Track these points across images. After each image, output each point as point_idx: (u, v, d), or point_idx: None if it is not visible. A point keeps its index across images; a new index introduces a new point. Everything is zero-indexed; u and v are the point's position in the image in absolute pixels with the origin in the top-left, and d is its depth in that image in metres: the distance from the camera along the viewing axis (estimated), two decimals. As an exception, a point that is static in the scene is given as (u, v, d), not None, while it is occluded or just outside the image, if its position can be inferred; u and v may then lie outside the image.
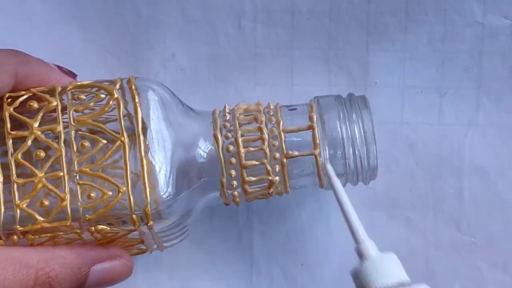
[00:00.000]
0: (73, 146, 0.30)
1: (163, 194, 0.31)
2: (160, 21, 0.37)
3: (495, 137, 0.37)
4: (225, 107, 0.33)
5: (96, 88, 0.31)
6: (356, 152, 0.32)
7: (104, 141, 0.30)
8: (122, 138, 0.30)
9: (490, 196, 0.37)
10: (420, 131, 0.37)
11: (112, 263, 0.32)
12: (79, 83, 0.32)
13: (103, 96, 0.31)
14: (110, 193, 0.30)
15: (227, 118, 0.32)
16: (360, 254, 0.30)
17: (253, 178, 0.32)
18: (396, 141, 0.37)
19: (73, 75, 0.33)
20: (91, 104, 0.31)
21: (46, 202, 0.30)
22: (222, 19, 0.37)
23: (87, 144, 0.30)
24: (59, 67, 0.33)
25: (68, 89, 0.31)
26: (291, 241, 0.38)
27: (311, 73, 0.37)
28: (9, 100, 0.31)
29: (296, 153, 0.32)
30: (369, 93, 0.37)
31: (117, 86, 0.31)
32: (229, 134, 0.32)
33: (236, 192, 0.32)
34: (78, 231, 0.30)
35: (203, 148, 0.32)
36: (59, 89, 0.31)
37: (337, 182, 0.31)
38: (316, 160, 0.32)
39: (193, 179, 0.32)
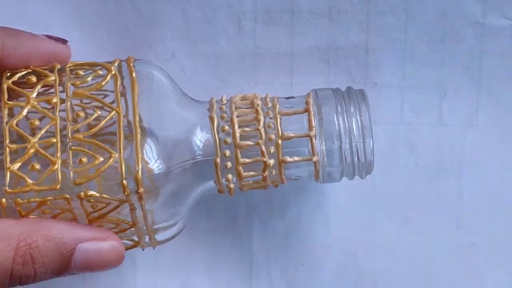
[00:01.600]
0: (68, 116, 0.30)
1: (153, 167, 0.31)
2: (160, 21, 0.37)
3: (495, 137, 0.37)
4: (222, 96, 0.33)
5: (95, 67, 0.32)
6: (353, 145, 0.32)
7: (99, 112, 0.30)
8: (117, 109, 0.30)
9: (490, 196, 0.37)
10: (420, 131, 0.37)
11: (102, 244, 0.30)
12: (78, 62, 0.32)
13: (101, 72, 0.31)
14: (102, 159, 0.30)
15: (224, 102, 0.32)
16: None
17: (247, 160, 0.32)
18: (396, 141, 0.37)
19: (63, 41, 0.33)
20: (89, 79, 0.31)
21: (37, 166, 0.30)
22: (222, 19, 0.37)
23: (82, 114, 0.31)
24: (49, 36, 0.33)
25: (67, 66, 0.32)
26: (291, 240, 0.38)
27: (311, 73, 0.37)
28: (8, 74, 0.31)
29: (292, 134, 0.32)
30: (369, 93, 0.37)
31: (116, 64, 0.32)
32: (224, 115, 0.32)
33: (230, 176, 0.32)
34: (67, 196, 0.30)
35: (199, 132, 0.32)
36: (58, 66, 0.32)
37: None
38: (311, 143, 0.31)
39: (186, 159, 0.32)
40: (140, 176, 0.30)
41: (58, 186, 0.29)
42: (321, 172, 0.32)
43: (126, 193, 0.30)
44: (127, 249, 0.32)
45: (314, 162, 0.32)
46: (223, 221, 0.38)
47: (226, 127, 0.32)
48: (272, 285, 0.38)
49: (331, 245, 0.38)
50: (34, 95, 0.30)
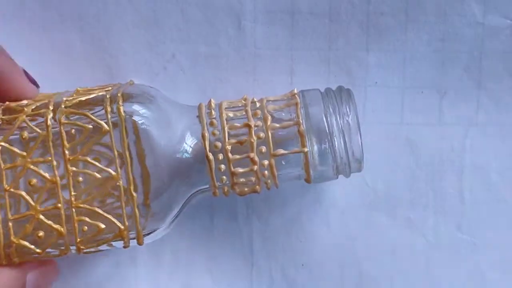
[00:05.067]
0: (70, 183, 0.30)
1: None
2: (160, 22, 0.37)
3: (495, 137, 0.37)
4: (210, 102, 0.33)
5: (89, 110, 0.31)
6: (342, 144, 0.32)
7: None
8: (116, 175, 0.30)
9: (491, 196, 0.37)
10: (420, 131, 0.37)
11: (43, 267, 0.32)
12: (71, 105, 0.31)
13: (91, 127, 0.31)
14: (103, 226, 0.30)
15: (213, 115, 0.32)
16: None
17: (238, 156, 0.32)
18: (396, 141, 0.37)
19: (36, 84, 0.34)
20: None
21: (41, 234, 0.30)
22: (222, 20, 0.37)
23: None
24: (25, 73, 0.33)
25: (61, 118, 0.31)
26: (291, 241, 0.38)
27: (311, 73, 0.37)
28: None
29: (283, 151, 0.32)
30: (369, 93, 0.37)
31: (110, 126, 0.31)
32: (214, 121, 0.32)
33: (224, 177, 0.32)
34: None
35: (189, 143, 0.32)
36: (50, 115, 0.31)
37: None
38: (305, 158, 0.32)
39: (180, 172, 0.32)
40: (141, 234, 0.30)
41: (66, 252, 0.30)
42: (312, 172, 0.32)
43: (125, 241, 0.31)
44: (108, 242, 0.33)
45: (305, 154, 0.32)
46: (223, 221, 0.38)
47: (216, 132, 0.32)
48: (272, 286, 0.38)
49: (331, 245, 0.38)
50: (30, 158, 0.30)
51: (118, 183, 0.30)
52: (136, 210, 0.30)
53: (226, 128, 0.32)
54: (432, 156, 0.37)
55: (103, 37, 0.37)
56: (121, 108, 0.31)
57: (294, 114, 0.32)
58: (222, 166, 0.32)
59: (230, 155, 0.31)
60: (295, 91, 0.33)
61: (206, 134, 0.32)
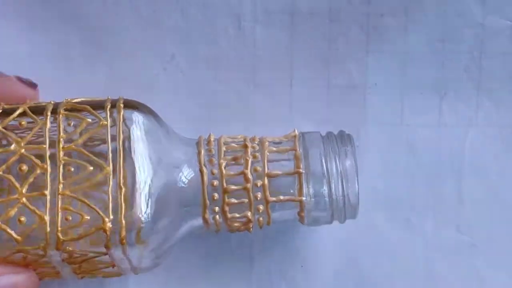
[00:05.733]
0: (59, 171, 0.30)
1: (141, 217, 0.30)
2: (160, 22, 0.37)
3: (495, 138, 0.37)
4: (210, 135, 0.33)
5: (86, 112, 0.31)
6: (339, 190, 0.32)
7: (91, 168, 0.30)
8: (107, 168, 0.30)
9: (490, 197, 0.37)
10: (420, 132, 0.37)
11: (18, 276, 0.30)
12: (72, 103, 0.31)
13: (90, 120, 0.31)
14: (88, 217, 0.30)
15: (213, 153, 0.32)
16: None
17: (234, 200, 0.32)
18: (396, 142, 0.37)
19: (33, 86, 0.33)
20: (78, 130, 0.31)
21: (23, 219, 0.30)
22: (221, 20, 0.37)
23: (72, 169, 0.30)
24: (19, 79, 0.33)
25: (60, 110, 0.31)
26: (291, 242, 0.38)
27: (311, 73, 0.37)
28: None
29: (279, 171, 0.32)
30: (369, 94, 0.37)
31: (108, 121, 0.31)
32: (213, 159, 0.32)
33: (217, 216, 0.32)
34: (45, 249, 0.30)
35: (186, 175, 0.32)
36: (50, 108, 0.31)
37: None
38: (301, 205, 0.32)
39: (174, 205, 0.32)
40: (124, 233, 0.30)
41: (45, 246, 0.30)
42: (306, 215, 0.32)
43: (109, 252, 0.30)
44: (107, 276, 0.33)
45: (300, 202, 0.32)
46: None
47: (215, 171, 0.32)
48: (272, 287, 0.38)
49: (331, 246, 0.38)
50: (24, 143, 0.30)
51: (107, 175, 0.30)
52: (123, 203, 0.30)
53: (224, 182, 0.32)
54: (432, 157, 0.37)
55: (103, 37, 0.37)
56: (121, 106, 0.31)
57: (293, 156, 0.32)
58: (216, 208, 0.32)
59: (227, 199, 0.32)
60: (296, 132, 0.33)
61: (205, 176, 0.32)
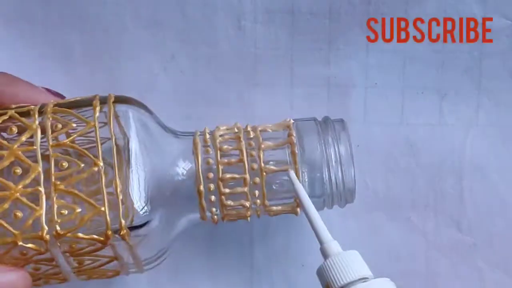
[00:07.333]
0: (51, 169, 0.30)
1: (140, 211, 0.30)
2: (160, 22, 0.37)
3: (495, 137, 0.37)
4: (205, 129, 0.33)
5: (78, 109, 0.31)
6: (333, 174, 0.32)
7: (82, 165, 0.30)
8: (98, 162, 0.30)
9: (491, 196, 0.37)
10: (421, 132, 0.37)
11: (11, 275, 0.30)
12: (59, 106, 0.31)
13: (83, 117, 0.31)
14: (79, 210, 0.30)
15: (208, 143, 0.32)
16: (324, 254, 0.30)
17: (229, 190, 0.32)
18: (397, 142, 0.37)
19: (61, 97, 0.33)
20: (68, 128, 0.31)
21: (19, 214, 0.30)
22: (222, 20, 0.37)
23: (65, 164, 0.30)
24: (47, 89, 0.33)
25: (48, 111, 0.31)
26: (291, 241, 0.38)
27: (311, 73, 0.37)
28: None
29: (274, 167, 0.32)
30: (369, 94, 0.37)
31: (97, 113, 0.31)
32: (209, 149, 0.32)
33: (213, 209, 0.32)
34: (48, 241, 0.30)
35: (182, 168, 0.32)
36: (37, 112, 0.31)
37: (299, 186, 0.31)
38: (296, 171, 0.32)
39: (170, 198, 0.32)
40: (125, 232, 0.30)
41: (45, 236, 0.29)
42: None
43: (110, 243, 0.30)
44: (111, 276, 0.33)
45: (296, 171, 0.32)
46: (223, 223, 0.38)
47: (211, 160, 0.32)
48: (273, 287, 0.38)
49: (331, 246, 0.38)
50: (17, 145, 0.30)
51: (99, 168, 0.30)
52: (119, 196, 0.30)
53: (220, 171, 0.32)
54: (432, 157, 0.37)
55: (103, 37, 0.37)
56: (112, 102, 0.31)
57: (289, 150, 0.32)
58: (213, 197, 0.32)
59: (222, 189, 0.32)
60: (290, 121, 0.33)
61: (202, 182, 0.32)
